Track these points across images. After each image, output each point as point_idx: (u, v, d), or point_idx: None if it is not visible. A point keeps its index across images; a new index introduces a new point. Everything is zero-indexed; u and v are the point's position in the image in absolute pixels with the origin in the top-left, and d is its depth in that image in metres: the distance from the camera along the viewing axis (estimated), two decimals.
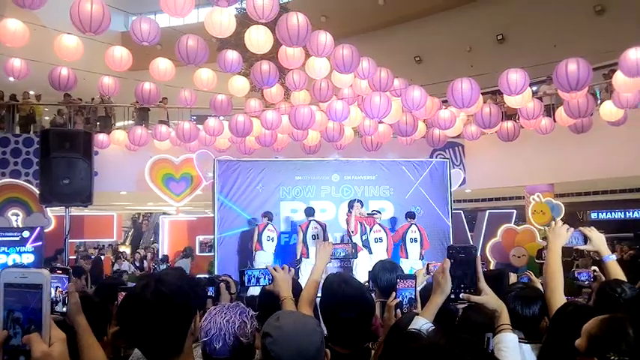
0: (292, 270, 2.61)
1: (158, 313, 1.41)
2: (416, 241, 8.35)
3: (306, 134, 11.38)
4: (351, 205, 8.09)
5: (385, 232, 8.16)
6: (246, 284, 2.60)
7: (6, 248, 7.57)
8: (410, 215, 8.53)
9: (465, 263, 1.72)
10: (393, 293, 2.38)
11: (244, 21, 9.42)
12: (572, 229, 2.37)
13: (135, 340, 1.49)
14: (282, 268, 2.52)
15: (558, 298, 2.11)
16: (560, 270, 2.26)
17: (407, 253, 8.32)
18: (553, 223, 2.37)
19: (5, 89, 13.00)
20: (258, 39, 8.45)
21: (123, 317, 1.48)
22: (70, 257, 9.23)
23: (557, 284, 2.19)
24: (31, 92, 13.66)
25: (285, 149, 12.22)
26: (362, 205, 8.16)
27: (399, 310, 2.29)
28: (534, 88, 12.27)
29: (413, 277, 2.46)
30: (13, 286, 0.95)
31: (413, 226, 8.42)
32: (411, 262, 8.08)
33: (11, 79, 9.93)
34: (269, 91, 10.79)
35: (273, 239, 8.35)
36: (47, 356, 0.95)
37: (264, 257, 8.13)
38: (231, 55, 9.23)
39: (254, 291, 4.17)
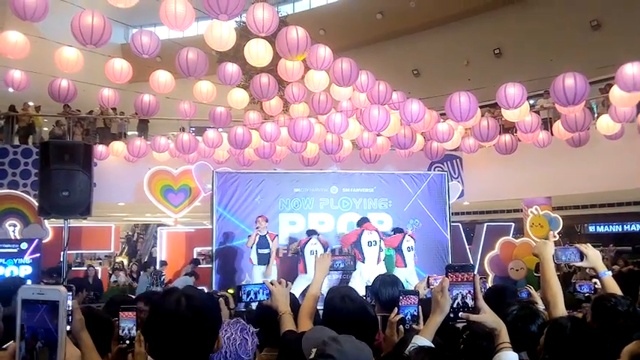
0: (290, 284, 2.61)
1: (188, 328, 1.42)
2: (412, 249, 8.35)
3: (305, 146, 11.40)
4: (360, 224, 8.16)
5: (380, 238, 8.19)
6: (243, 300, 2.59)
7: (4, 260, 7.55)
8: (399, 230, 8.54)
9: (464, 282, 1.73)
10: (395, 309, 2.38)
11: (244, 34, 9.50)
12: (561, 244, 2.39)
13: (161, 354, 1.48)
14: (280, 283, 2.52)
15: (559, 313, 2.11)
16: (557, 282, 2.26)
17: (405, 262, 8.31)
18: (541, 240, 2.40)
19: (4, 100, 13.03)
20: (258, 52, 8.50)
21: (152, 332, 1.48)
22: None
23: (557, 299, 2.19)
24: (31, 103, 13.68)
25: (284, 161, 12.24)
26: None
27: (401, 327, 2.29)
28: (532, 102, 12.36)
29: (416, 292, 2.46)
30: (31, 302, 0.97)
31: (407, 235, 8.42)
32: (409, 272, 8.08)
33: (11, 90, 9.94)
34: (268, 104, 10.83)
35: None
36: None
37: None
38: (231, 68, 9.29)
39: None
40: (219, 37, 7.99)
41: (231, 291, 3.57)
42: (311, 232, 8.39)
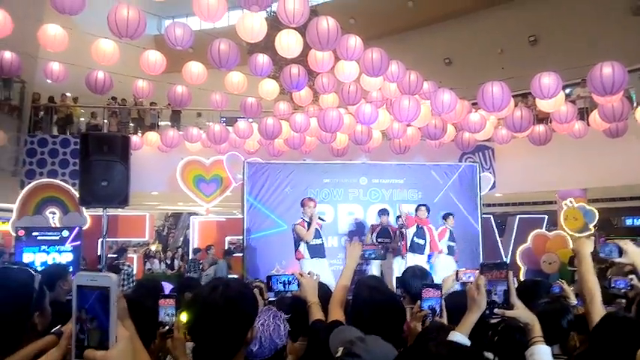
0: (318, 276, 2.66)
1: (223, 316, 1.49)
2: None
3: (335, 137, 11.43)
4: (417, 210, 8.10)
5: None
6: (274, 289, 2.66)
7: (47, 247, 7.88)
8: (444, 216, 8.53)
9: (498, 279, 1.77)
10: (418, 301, 2.41)
11: (274, 24, 9.54)
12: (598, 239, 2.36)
13: (197, 339, 1.57)
14: (309, 274, 2.58)
15: (597, 310, 2.09)
16: (595, 279, 2.23)
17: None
18: (583, 235, 2.37)
19: (44, 92, 13.45)
20: (289, 43, 8.54)
21: (189, 315, 1.56)
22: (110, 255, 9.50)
23: (593, 295, 2.16)
24: (69, 94, 14.09)
25: (314, 152, 12.30)
26: (428, 211, 8.11)
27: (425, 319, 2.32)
28: (568, 91, 12.03)
29: (438, 286, 2.48)
30: (84, 288, 1.05)
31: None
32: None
33: (49, 81, 10.28)
34: (298, 94, 10.88)
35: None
36: (105, 357, 1.03)
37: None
38: (262, 59, 9.35)
39: None
40: (251, 28, 8.06)
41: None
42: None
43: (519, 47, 18.44)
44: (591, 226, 11.61)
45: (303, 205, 7.39)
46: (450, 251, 8.42)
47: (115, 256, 9.75)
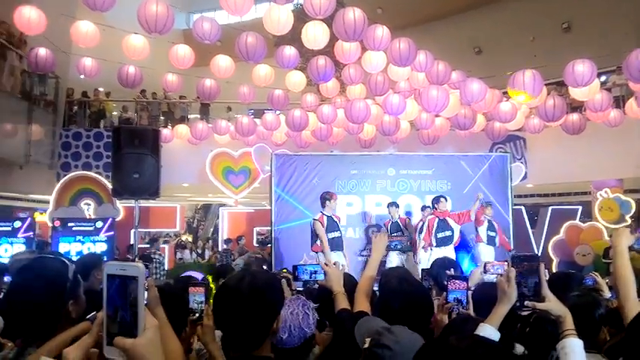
0: (344, 266, 2.67)
1: (249, 306, 1.51)
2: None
3: (362, 128, 11.38)
4: (435, 202, 8.05)
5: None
6: (300, 279, 2.69)
7: (82, 237, 8.14)
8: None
9: (529, 271, 1.74)
10: (444, 293, 2.39)
11: (301, 16, 9.53)
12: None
13: (223, 327, 1.61)
14: (335, 264, 2.60)
15: (632, 306, 2.02)
16: (631, 273, 2.16)
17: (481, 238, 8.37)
18: (621, 227, 2.30)
19: (77, 87, 13.79)
20: (315, 34, 8.52)
21: (217, 304, 1.59)
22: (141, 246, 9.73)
23: (628, 290, 2.09)
24: (101, 89, 14.41)
25: (341, 143, 12.28)
26: (446, 201, 8.07)
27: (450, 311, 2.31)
28: (603, 79, 11.66)
29: (465, 278, 2.45)
30: (114, 277, 1.08)
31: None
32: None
33: (82, 76, 10.54)
34: (325, 86, 10.86)
35: None
36: (134, 345, 1.06)
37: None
38: (289, 51, 9.36)
39: None
40: (277, 21, 8.08)
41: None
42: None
43: (552, 34, 17.92)
44: (627, 217, 11.27)
45: (327, 198, 7.36)
46: (490, 241, 8.33)
47: (147, 245, 9.99)
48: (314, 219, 7.35)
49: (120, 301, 1.08)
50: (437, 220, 7.90)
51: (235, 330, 1.54)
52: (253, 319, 1.51)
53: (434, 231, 7.82)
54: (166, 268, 9.72)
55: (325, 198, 7.38)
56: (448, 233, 7.89)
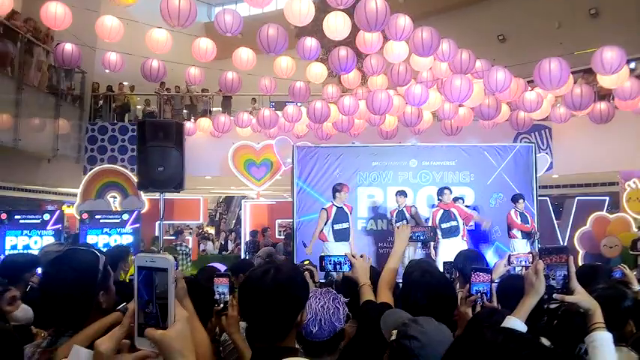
0: (370, 258, 2.67)
1: (273, 300, 1.53)
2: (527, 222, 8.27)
3: (384, 119, 11.31)
4: (439, 194, 8.01)
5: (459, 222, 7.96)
6: (326, 269, 2.70)
7: (109, 230, 8.31)
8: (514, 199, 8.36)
9: (557, 264, 1.72)
10: (467, 285, 2.37)
11: (322, 7, 9.48)
12: None
13: (248, 319, 1.63)
14: (361, 256, 2.60)
15: None
16: None
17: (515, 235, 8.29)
18: None
19: (102, 81, 14.02)
20: (337, 25, 8.47)
21: (241, 297, 1.62)
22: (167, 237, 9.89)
23: None
24: (125, 83, 14.62)
25: (362, 134, 12.23)
26: (451, 192, 8.02)
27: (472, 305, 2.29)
28: (632, 66, 11.34)
29: (488, 270, 2.43)
30: (145, 269, 1.10)
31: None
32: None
33: (107, 71, 10.71)
34: (346, 77, 10.81)
35: None
36: (164, 336, 1.08)
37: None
38: (310, 43, 9.33)
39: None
40: (299, 12, 8.05)
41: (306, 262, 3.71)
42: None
43: (579, 21, 17.47)
44: None
45: (337, 190, 7.65)
46: (525, 235, 8.24)
47: (173, 237, 10.15)
48: (322, 208, 7.69)
49: (150, 293, 1.09)
50: (441, 211, 7.86)
51: (260, 322, 1.55)
52: (278, 312, 1.53)
53: (437, 222, 7.78)
54: (191, 259, 9.88)
55: (336, 189, 7.69)
56: (454, 224, 7.85)
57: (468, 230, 8.24)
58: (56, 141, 11.79)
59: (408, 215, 8.22)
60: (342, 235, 7.61)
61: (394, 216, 8.28)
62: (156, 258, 1.10)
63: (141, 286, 1.10)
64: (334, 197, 7.68)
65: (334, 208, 7.62)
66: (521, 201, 8.25)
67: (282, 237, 11.24)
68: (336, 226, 7.59)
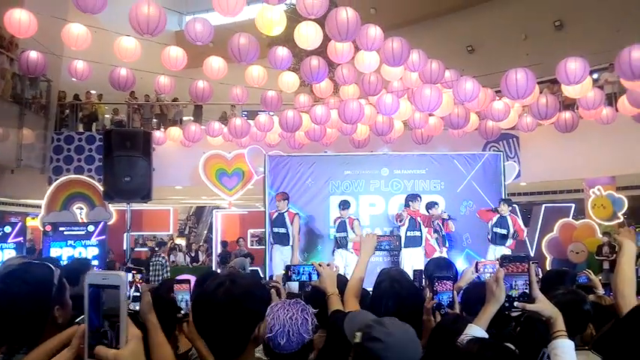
0: (337, 267, 2.66)
1: (226, 314, 1.45)
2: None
3: (355, 128, 11.36)
4: (410, 200, 8.10)
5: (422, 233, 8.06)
6: (292, 279, 2.67)
7: (73, 242, 8.07)
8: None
9: (519, 272, 1.73)
10: (430, 294, 2.38)
11: (293, 17, 9.50)
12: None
13: (202, 334, 1.56)
14: (328, 265, 2.57)
15: (629, 302, 2.03)
16: (632, 271, 2.18)
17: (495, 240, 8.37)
18: (626, 227, 2.34)
19: (69, 90, 13.71)
20: (308, 35, 8.51)
21: (195, 311, 1.56)
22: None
23: (630, 290, 2.11)
24: (93, 92, 14.33)
25: (334, 143, 12.26)
26: (420, 200, 8.14)
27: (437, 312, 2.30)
28: (595, 76, 11.71)
29: (450, 278, 2.45)
30: (96, 287, 1.05)
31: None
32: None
33: (74, 79, 10.47)
34: (318, 86, 10.84)
35: None
36: (117, 356, 1.03)
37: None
38: (281, 52, 9.33)
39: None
40: (270, 21, 8.04)
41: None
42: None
43: (544, 32, 18.00)
44: (620, 214, 11.32)
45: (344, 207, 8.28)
46: (499, 240, 8.37)
47: (155, 248, 10.04)
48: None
49: (102, 311, 1.05)
50: (409, 218, 7.93)
51: (214, 338, 1.49)
52: (231, 327, 1.46)
53: (405, 230, 7.89)
54: (168, 271, 9.73)
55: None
56: (417, 234, 7.92)
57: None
58: (20, 151, 11.45)
59: (349, 227, 8.26)
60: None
61: (336, 225, 8.35)
62: (108, 275, 1.06)
63: (92, 305, 1.05)
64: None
65: (275, 214, 8.32)
66: (504, 205, 8.38)
67: (257, 246, 11.14)
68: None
